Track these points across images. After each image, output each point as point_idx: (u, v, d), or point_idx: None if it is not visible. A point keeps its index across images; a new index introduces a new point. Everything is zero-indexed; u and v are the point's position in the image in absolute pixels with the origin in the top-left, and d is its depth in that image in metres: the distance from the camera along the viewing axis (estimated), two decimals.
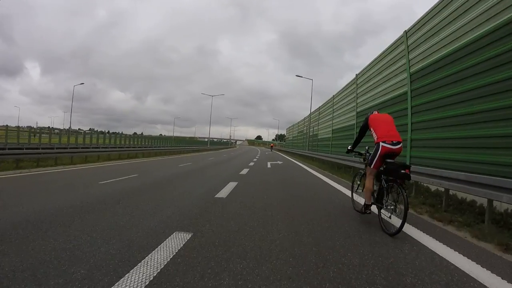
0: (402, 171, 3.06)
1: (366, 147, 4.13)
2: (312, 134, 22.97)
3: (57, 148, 12.87)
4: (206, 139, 52.97)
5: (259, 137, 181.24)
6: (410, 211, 4.38)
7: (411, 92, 7.50)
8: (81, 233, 2.69)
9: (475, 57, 4.93)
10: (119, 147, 16.69)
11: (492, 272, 2.19)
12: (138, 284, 1.75)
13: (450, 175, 4.34)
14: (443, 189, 4.66)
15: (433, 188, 6.12)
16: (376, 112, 3.91)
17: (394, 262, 2.30)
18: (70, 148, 13.61)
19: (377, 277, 2.01)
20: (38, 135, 15.67)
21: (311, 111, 23.95)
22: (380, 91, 9.48)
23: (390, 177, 3.24)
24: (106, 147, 15.54)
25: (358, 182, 4.35)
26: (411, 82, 7.55)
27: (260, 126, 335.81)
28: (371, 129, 3.63)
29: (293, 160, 19.62)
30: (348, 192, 5.38)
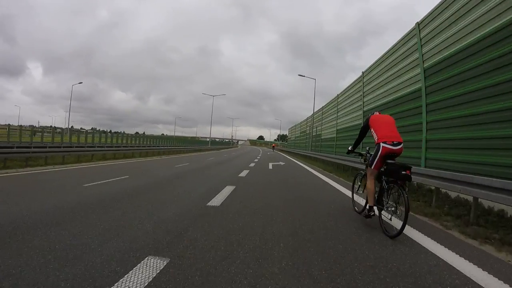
0: (403, 172, 3.02)
1: (367, 148, 4.06)
2: (315, 134, 22.36)
3: (49, 147, 12.32)
4: (207, 139, 52.41)
5: (261, 137, 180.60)
6: (434, 223, 3.81)
7: (425, 88, 6.87)
8: (18, 259, 2.07)
9: (502, 47, 4.34)
10: (115, 146, 16.12)
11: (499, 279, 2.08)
12: None
13: (483, 182, 3.71)
14: (463, 196, 4.05)
15: (452, 194, 5.50)
16: (377, 113, 3.87)
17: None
18: (64, 147, 13.06)
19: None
20: (38, 134, 15.18)
21: (314, 111, 23.33)
22: (389, 89, 8.84)
23: (391, 178, 3.20)
24: (102, 146, 14.98)
25: (359, 183, 4.29)
26: (425, 77, 6.92)
27: (262, 126, 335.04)
28: (372, 130, 3.60)
29: (296, 161, 18.97)
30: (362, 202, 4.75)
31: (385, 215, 3.19)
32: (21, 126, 16.65)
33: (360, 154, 4.32)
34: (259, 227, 3.13)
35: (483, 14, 4.85)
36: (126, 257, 2.17)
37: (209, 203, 4.24)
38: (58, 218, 3.18)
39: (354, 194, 4.42)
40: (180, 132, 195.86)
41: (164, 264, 2.05)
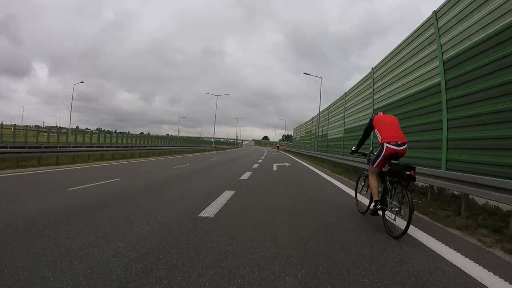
0: (407, 172, 3.02)
1: (370, 148, 4.04)
2: (321, 134, 21.65)
3: (45, 147, 11.89)
4: (212, 139, 51.94)
5: (265, 138, 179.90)
6: (469, 239, 3.16)
7: (445, 83, 6.19)
8: None
9: None
10: (115, 147, 15.66)
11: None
12: None
13: None
14: (493, 203, 3.40)
15: (479, 201, 4.84)
16: (381, 113, 3.84)
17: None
18: (60, 147, 12.62)
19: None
20: (32, 134, 14.78)
21: (320, 110, 22.63)
22: (403, 85, 8.14)
23: (395, 178, 3.20)
24: (100, 147, 14.53)
25: (363, 183, 4.28)
26: (444, 71, 6.25)
27: (266, 126, 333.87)
28: (376, 130, 3.58)
29: (302, 162, 18.28)
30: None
31: (389, 216, 3.18)
32: (26, 126, 16.33)
33: (364, 154, 4.27)
34: (259, 248, 2.49)
35: None
36: None
37: (201, 214, 3.59)
38: (10, 232, 2.61)
39: (358, 194, 4.42)
40: (185, 132, 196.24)
41: None
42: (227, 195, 4.99)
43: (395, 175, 3.18)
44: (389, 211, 3.20)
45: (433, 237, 3.04)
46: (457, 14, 5.71)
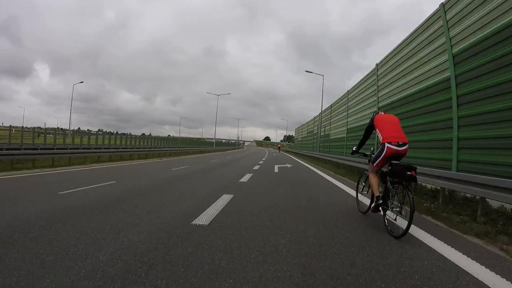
0: (408, 172, 3.02)
1: (371, 148, 3.99)
2: (323, 134, 21.30)
3: (41, 149, 11.63)
4: (213, 140, 51.69)
5: (267, 138, 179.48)
6: (492, 248, 2.83)
7: (455, 77, 5.86)
8: None
9: None
10: (114, 148, 15.40)
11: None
12: None
13: None
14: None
15: (493, 204, 4.52)
16: (382, 113, 3.85)
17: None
18: (57, 149, 12.36)
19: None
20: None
21: (322, 109, 22.29)
22: (409, 80, 7.79)
23: (396, 178, 3.20)
24: (98, 148, 14.27)
25: (363, 183, 4.27)
26: (454, 65, 5.91)
27: (268, 127, 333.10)
28: (377, 130, 3.57)
29: (304, 163, 17.95)
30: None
31: (390, 216, 3.18)
32: (22, 127, 16.12)
33: (365, 155, 4.24)
34: (257, 265, 2.18)
35: None
36: None
37: (194, 221, 3.27)
38: None
39: (359, 194, 4.40)
40: (186, 133, 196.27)
41: None
42: (225, 199, 4.67)
43: (396, 176, 3.18)
44: (390, 211, 3.19)
45: (454, 248, 2.72)
46: (468, 5, 5.39)
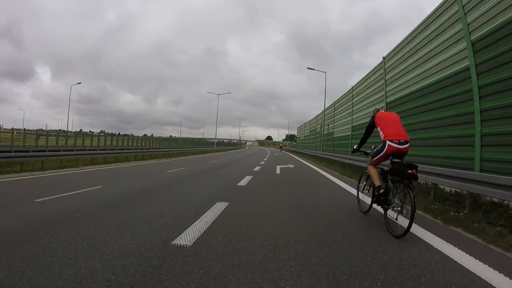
0: (409, 171, 2.98)
1: (372, 147, 3.90)
2: (326, 132, 20.67)
3: (32, 151, 11.13)
4: (215, 140, 51.20)
5: (269, 138, 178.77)
6: None
7: (476, 67, 5.24)
8: None
9: None
10: (110, 149, 14.88)
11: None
12: None
13: None
14: None
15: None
16: (383, 111, 3.88)
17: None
18: (50, 151, 11.86)
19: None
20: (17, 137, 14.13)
21: (325, 107, 21.65)
22: (422, 72, 7.15)
23: (397, 177, 3.16)
24: (94, 150, 13.75)
25: (364, 183, 4.21)
26: (474, 53, 5.30)
27: (270, 126, 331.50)
28: (378, 128, 3.53)
29: (307, 163, 17.31)
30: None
31: (391, 215, 3.14)
32: (12, 128, 15.69)
33: (366, 153, 4.22)
34: None
35: None
36: None
37: (175, 240, 2.63)
38: None
39: (360, 193, 4.37)
40: (188, 133, 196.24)
41: None
42: (218, 208, 4.05)
43: (397, 174, 3.14)
44: (391, 210, 3.15)
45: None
46: None
